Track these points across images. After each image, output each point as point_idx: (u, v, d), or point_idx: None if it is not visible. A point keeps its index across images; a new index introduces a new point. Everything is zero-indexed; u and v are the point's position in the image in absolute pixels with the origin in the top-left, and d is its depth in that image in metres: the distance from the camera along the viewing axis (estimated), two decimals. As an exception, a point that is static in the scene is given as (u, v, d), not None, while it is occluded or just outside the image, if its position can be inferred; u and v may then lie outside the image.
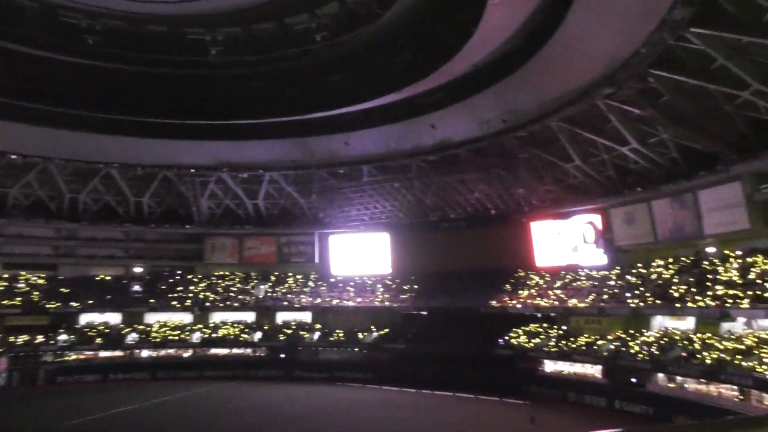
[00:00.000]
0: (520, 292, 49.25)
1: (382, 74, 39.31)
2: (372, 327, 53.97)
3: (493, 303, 49.19)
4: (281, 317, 58.04)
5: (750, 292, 32.32)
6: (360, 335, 53.46)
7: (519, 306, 47.45)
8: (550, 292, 46.98)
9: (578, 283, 46.35)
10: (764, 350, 29.96)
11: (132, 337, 53.76)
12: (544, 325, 45.98)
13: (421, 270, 56.76)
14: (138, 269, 60.41)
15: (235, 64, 41.38)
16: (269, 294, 59.41)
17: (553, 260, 49.30)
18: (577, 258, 47.33)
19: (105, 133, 48.80)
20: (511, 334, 46.03)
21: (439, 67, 36.15)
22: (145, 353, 53.25)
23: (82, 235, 58.26)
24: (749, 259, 35.15)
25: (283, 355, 52.88)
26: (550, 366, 42.89)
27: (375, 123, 45.65)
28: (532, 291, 48.64)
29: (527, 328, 46.13)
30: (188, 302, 57.25)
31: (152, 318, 56.73)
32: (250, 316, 57.95)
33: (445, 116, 42.54)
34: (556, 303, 45.14)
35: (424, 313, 53.85)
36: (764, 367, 28.65)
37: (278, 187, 57.90)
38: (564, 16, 29.65)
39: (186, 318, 57.26)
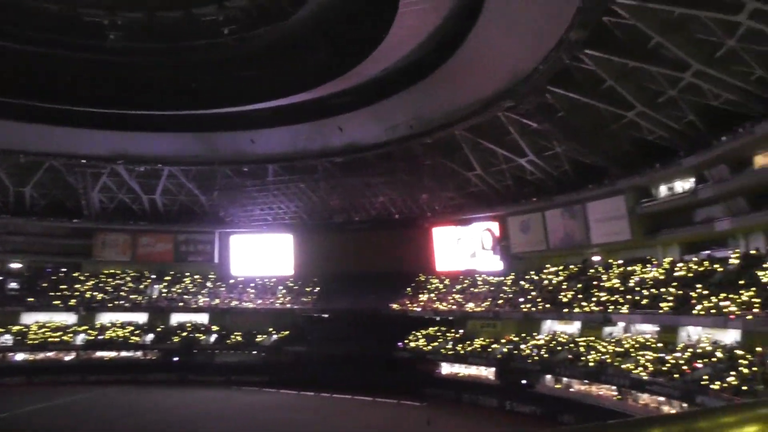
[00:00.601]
0: (421, 295, 50.26)
1: (292, 73, 38.90)
2: (272, 329, 53.01)
3: (394, 306, 49.88)
4: (176, 318, 55.68)
5: (629, 298, 34.81)
6: (259, 338, 52.36)
7: (419, 309, 48.41)
8: (449, 297, 48.30)
9: (476, 288, 47.97)
10: (640, 353, 32.33)
11: (5, 339, 49.49)
12: (443, 328, 47.14)
13: (324, 272, 56.54)
14: (16, 265, 55.78)
15: (137, 52, 39.42)
16: (164, 294, 56.86)
17: (452, 265, 50.77)
18: (475, 263, 49.04)
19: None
20: (411, 337, 46.83)
21: (350, 70, 36.29)
22: (20, 356, 49.20)
23: (-50, 226, 53.16)
24: (629, 268, 37.92)
25: (176, 358, 50.69)
26: (446, 368, 44.00)
27: (283, 122, 45.04)
28: (432, 295, 49.79)
29: (426, 332, 47.11)
30: (73, 302, 53.60)
31: (30, 318, 52.60)
32: (142, 317, 55.13)
33: (354, 119, 42.78)
34: (455, 307, 46.49)
35: (326, 315, 53.66)
36: (640, 368, 30.90)
37: (178, 183, 55.62)
38: (471, 29, 30.73)
39: (70, 318, 53.55)
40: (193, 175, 53.92)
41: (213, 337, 53.08)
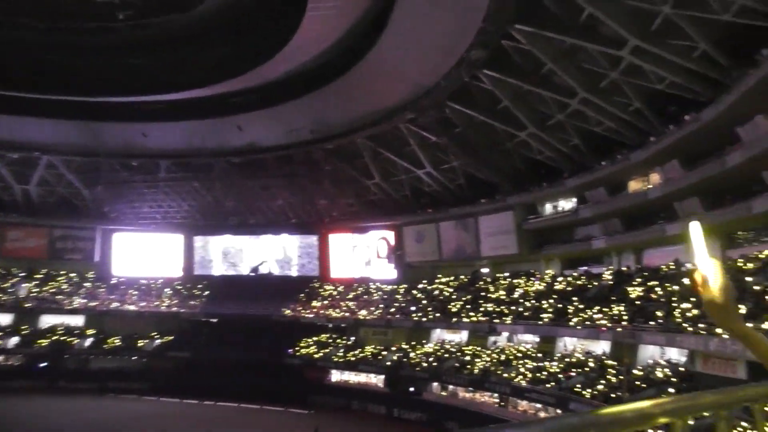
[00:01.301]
0: (314, 302, 49.92)
1: (191, 66, 37.45)
2: (155, 334, 50.44)
3: (287, 312, 49.18)
4: (46, 320, 51.50)
5: (513, 309, 36.54)
6: (141, 342, 49.62)
7: (311, 316, 48.05)
8: (342, 304, 48.34)
9: (369, 295, 48.37)
10: (521, 362, 33.99)
11: None
12: (334, 335, 47.07)
13: (213, 275, 54.75)
14: None
15: (17, 27, 36.25)
16: (33, 294, 52.40)
17: (347, 272, 50.91)
18: (369, 271, 49.49)
19: None
20: (302, 344, 46.35)
21: (253, 69, 35.52)
22: None
23: None
24: (515, 281, 39.86)
25: (44, 364, 46.83)
26: (336, 376, 43.94)
27: (179, 116, 43.12)
28: (325, 302, 49.61)
29: (317, 338, 46.82)
30: None
31: None
32: (5, 319, 50.43)
33: (255, 119, 41.85)
34: (347, 314, 46.60)
35: (215, 320, 51.85)
36: (520, 377, 32.47)
37: (57, 174, 51.49)
38: (377, 40, 31.17)
39: None
40: (75, 167, 50.22)
41: (88, 341, 49.62)
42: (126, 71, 38.32)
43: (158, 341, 49.82)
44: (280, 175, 45.03)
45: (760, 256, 24.78)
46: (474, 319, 38.34)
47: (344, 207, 48.76)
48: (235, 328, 48.98)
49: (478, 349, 38.07)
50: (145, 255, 55.77)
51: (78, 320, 51.99)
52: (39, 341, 48.40)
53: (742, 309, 21.83)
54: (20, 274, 53.78)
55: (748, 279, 23.81)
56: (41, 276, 54.29)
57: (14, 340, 48.08)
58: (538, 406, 31.40)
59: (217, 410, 40.34)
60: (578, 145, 32.95)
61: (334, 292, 50.69)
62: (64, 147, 47.97)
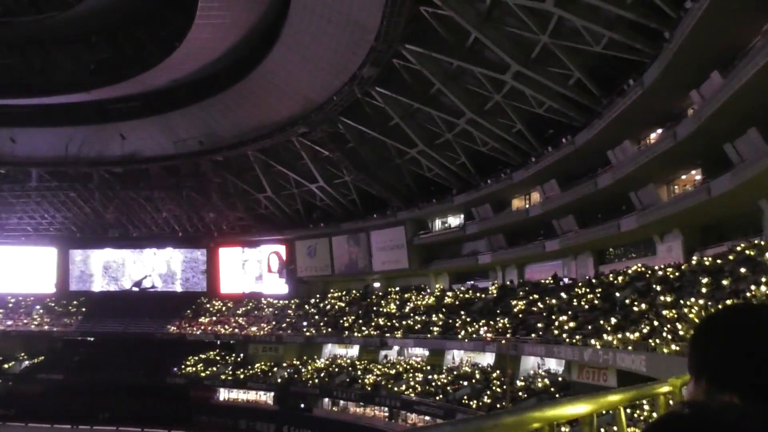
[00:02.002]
0: (201, 318, 48.01)
1: (68, 69, 34.97)
2: (23, 354, 46.40)
3: (171, 329, 46.93)
4: None
5: (404, 323, 36.98)
6: (6, 364, 45.39)
7: (198, 333, 46.15)
8: (231, 319, 46.83)
9: (260, 311, 47.22)
10: (411, 375, 34.41)
11: None
12: (223, 352, 45.48)
13: (92, 291, 51.30)
14: None
15: None
16: None
17: (237, 287, 49.39)
18: (260, 286, 48.36)
19: None
20: (187, 362, 44.38)
21: (136, 75, 33.78)
22: None
23: None
24: (406, 295, 40.41)
25: None
26: (224, 394, 42.44)
27: (53, 122, 40.09)
28: (214, 318, 47.85)
29: (204, 356, 45.02)
30: None
31: None
32: None
33: (139, 128, 39.78)
34: (236, 330, 45.20)
35: (92, 339, 48.48)
36: (410, 390, 32.84)
37: None
38: (268, 52, 30.68)
39: None
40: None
41: (-55, 364, 44.82)
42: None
43: (26, 363, 45.96)
44: (166, 186, 43.00)
45: (628, 271, 26.61)
46: (366, 333, 38.40)
47: (234, 220, 47.43)
48: (115, 347, 46.07)
49: (370, 363, 38.16)
50: (13, 270, 51.06)
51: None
52: None
53: (612, 321, 23.43)
54: None
55: (617, 294, 25.55)
56: None
57: None
58: (427, 418, 31.83)
59: (94, 436, 37.74)
60: (465, 164, 34.08)
61: (223, 308, 49.00)
62: None
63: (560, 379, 27.60)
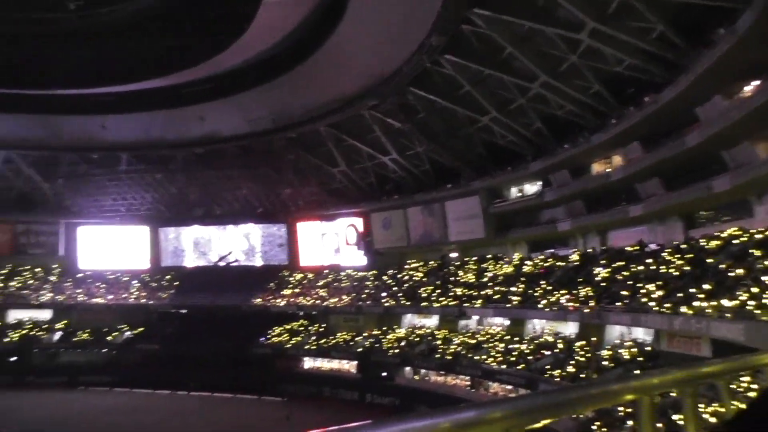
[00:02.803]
0: (284, 290, 49.63)
1: (145, 56, 36.33)
2: (124, 326, 49.81)
3: (257, 301, 48.84)
4: (13, 315, 50.60)
5: (482, 293, 36.68)
6: (110, 335, 48.96)
7: (282, 304, 47.78)
8: (312, 291, 48.13)
9: (339, 283, 48.21)
10: (491, 344, 34.23)
11: None
12: (305, 323, 46.93)
13: (184, 266, 54.12)
14: None
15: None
16: (-1, 289, 51.35)
17: (316, 260, 50.59)
18: (339, 259, 49.25)
19: None
20: (272, 333, 46.15)
21: (209, 58, 34.62)
22: None
23: None
24: (483, 264, 39.96)
25: (13, 359, 46.03)
26: (308, 363, 43.91)
27: (137, 107, 42.01)
28: (295, 290, 49.34)
29: (289, 327, 46.64)
30: None
31: None
32: (-29, 315, 49.44)
33: (215, 109, 40.94)
34: (318, 302, 46.43)
35: (184, 311, 51.33)
36: (491, 359, 32.71)
37: (15, 168, 50.13)
38: (335, 27, 30.53)
39: None
40: (33, 161, 48.89)
41: (57, 335, 48.93)
42: (79, 62, 37.09)
43: (127, 334, 49.30)
44: (242, 165, 44.28)
45: (721, 235, 25.00)
46: (444, 303, 38.43)
47: (309, 195, 48.30)
48: (205, 319, 48.62)
49: (449, 333, 38.24)
50: (111, 248, 54.76)
51: (46, 314, 51.21)
52: (7, 336, 47.52)
53: (704, 288, 22.14)
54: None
55: (710, 259, 24.09)
56: (6, 271, 53.10)
57: (-19, 337, 47.18)
58: (509, 387, 31.73)
59: (190, 401, 40.27)
60: (540, 129, 32.89)
61: (305, 280, 50.40)
62: (21, 141, 46.56)
63: (649, 348, 26.54)
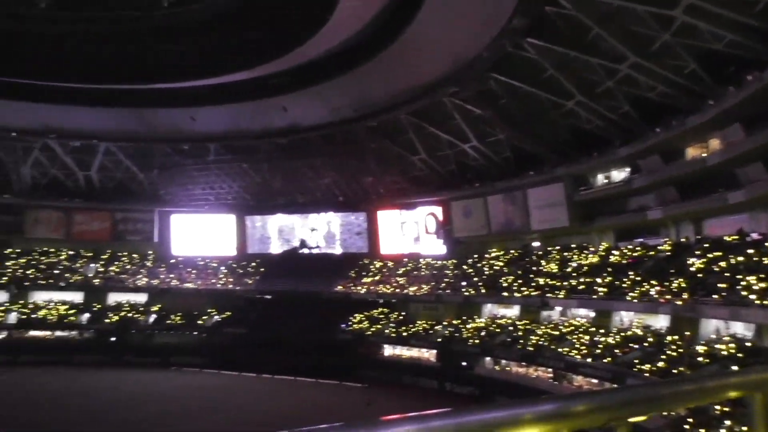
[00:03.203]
0: (364, 278, 50.25)
1: (231, 50, 37.62)
2: (213, 310, 52.12)
3: (338, 288, 49.73)
4: (113, 298, 54.11)
5: (566, 283, 35.63)
6: (200, 319, 51.42)
7: (362, 292, 48.41)
8: (392, 279, 48.47)
9: (419, 271, 48.26)
10: (576, 336, 33.23)
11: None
12: (385, 310, 47.34)
13: (269, 253, 55.94)
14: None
15: (69, 21, 37.31)
16: (100, 273, 55.03)
17: (396, 248, 50.85)
18: (419, 247, 49.28)
19: None
20: (353, 320, 46.88)
21: (292, 50, 35.35)
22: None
23: None
24: (567, 254, 38.77)
25: (113, 339, 49.33)
26: (388, 350, 44.31)
27: (224, 99, 43.64)
28: (375, 278, 49.85)
29: (369, 314, 47.22)
30: (5, 279, 51.33)
31: (-44, 297, 50.14)
32: (77, 297, 53.29)
33: (297, 99, 41.85)
34: (397, 290, 46.69)
35: (268, 297, 53.06)
36: (575, 351, 31.77)
37: (115, 160, 53.54)
38: (415, 14, 30.34)
39: (1, 296, 51.30)
40: (130, 152, 51.95)
41: (152, 318, 51.89)
42: (171, 57, 38.92)
43: (216, 318, 51.49)
44: (325, 154, 45.06)
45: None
46: (526, 293, 37.66)
47: (390, 184, 48.50)
48: (288, 305, 50.02)
49: (531, 323, 37.46)
50: (201, 235, 57.45)
51: (141, 298, 54.38)
52: (107, 318, 50.94)
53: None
54: (88, 255, 56.48)
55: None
56: (106, 257, 56.85)
57: (85, 317, 50.79)
58: (594, 381, 30.71)
59: (274, 383, 41.61)
60: (629, 112, 31.35)
61: (384, 269, 50.82)
62: (119, 134, 49.69)
63: (749, 344, 24.90)
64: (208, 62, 39.34)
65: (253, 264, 56.13)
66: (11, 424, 29.33)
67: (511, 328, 38.22)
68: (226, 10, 35.07)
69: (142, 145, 50.11)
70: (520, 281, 39.09)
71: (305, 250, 54.84)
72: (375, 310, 47.63)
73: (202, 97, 43.67)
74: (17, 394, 35.94)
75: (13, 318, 49.12)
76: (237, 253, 57.25)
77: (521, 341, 35.95)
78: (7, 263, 53.48)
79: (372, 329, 45.35)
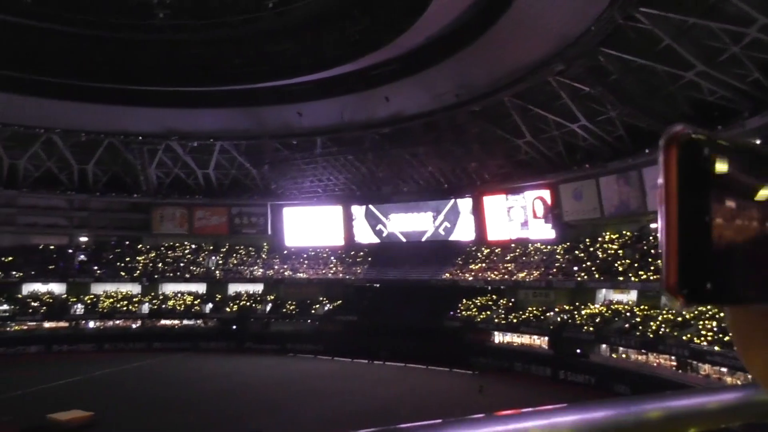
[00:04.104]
0: (471, 265, 49.92)
1: (333, 44, 38.54)
2: (324, 299, 53.93)
3: (445, 275, 49.75)
4: (233, 288, 57.37)
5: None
6: (312, 307, 53.39)
7: (470, 279, 48.12)
8: (500, 265, 47.80)
9: (527, 257, 47.24)
10: (701, 322, 31.24)
11: (77, 308, 52.28)
12: (494, 297, 46.82)
13: (375, 242, 57.00)
14: (83, 238, 58.45)
15: (182, 29, 39.89)
16: (220, 265, 58.59)
17: (503, 234, 50.01)
18: (526, 232, 48.17)
19: (44, 96, 46.50)
20: (461, 306, 46.76)
21: (392, 40, 35.63)
22: (91, 324, 51.97)
23: (22, 203, 55.71)
24: (688, 236, 36.37)
25: (234, 327, 52.45)
26: (498, 337, 43.83)
27: (328, 94, 44.84)
28: (482, 264, 49.36)
29: (477, 301, 46.91)
30: (137, 273, 56.01)
31: (99, 288, 55.22)
32: (200, 287, 57.08)
33: (399, 88, 42.12)
34: (506, 276, 45.98)
35: (377, 285, 54.09)
36: (701, 338, 29.90)
37: (230, 157, 56.71)
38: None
39: (134, 289, 56.02)
40: (243, 149, 54.78)
41: (268, 307, 54.52)
42: (276, 56, 40.55)
43: (328, 306, 53.21)
44: (428, 141, 45.06)
45: None
46: (643, 278, 35.85)
47: (495, 168, 47.68)
48: (397, 293, 50.74)
49: (650, 309, 35.64)
50: (310, 226, 59.50)
51: (258, 288, 57.26)
52: (228, 307, 54.18)
53: None
54: (208, 249, 60.36)
55: None
56: (225, 249, 60.41)
57: (208, 306, 54.33)
58: (724, 369, 28.81)
59: (386, 370, 42.38)
60: (759, 80, 28.75)
61: (492, 255, 50.18)
62: (233, 132, 52.51)
63: None
64: (310, 58, 40.60)
65: (361, 253, 57.38)
66: (154, 402, 32.19)
67: (628, 314, 36.57)
68: (328, 5, 35.94)
69: (253, 142, 52.61)
70: (636, 265, 37.26)
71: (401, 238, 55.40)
72: (483, 297, 47.24)
73: (307, 92, 45.16)
74: (155, 378, 39.24)
75: (145, 308, 53.46)
76: (344, 242, 58.75)
77: (640, 327, 34.31)
78: (139, 258, 58.22)
79: (480, 316, 45.02)
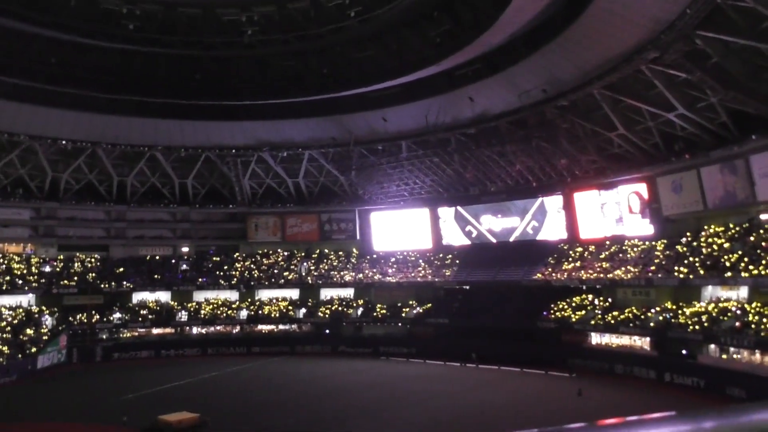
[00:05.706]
0: (564, 264, 48.50)
1: (416, 48, 38.81)
2: (414, 302, 54.14)
3: (537, 276, 48.61)
4: (324, 293, 58.79)
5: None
6: (403, 311, 53.72)
7: (563, 278, 46.73)
8: (595, 264, 46.14)
9: (624, 254, 45.29)
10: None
11: (182, 315, 55.40)
12: (589, 297, 45.26)
13: (463, 244, 56.63)
14: (185, 249, 61.95)
15: (268, 44, 41.52)
16: (312, 270, 60.21)
17: (597, 231, 48.22)
18: (622, 229, 46.20)
19: (148, 116, 49.92)
20: (555, 307, 45.52)
21: (474, 39, 35.43)
22: (195, 330, 54.90)
23: (131, 217, 59.98)
24: (806, 226, 33.74)
25: (327, 331, 53.70)
26: (596, 338, 42.31)
27: (412, 98, 45.22)
28: (576, 263, 47.82)
29: (572, 301, 45.51)
30: (234, 280, 58.60)
31: (200, 296, 58.25)
32: (294, 293, 58.92)
33: (483, 88, 41.79)
34: (601, 275, 44.30)
35: (467, 287, 53.68)
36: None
37: (318, 165, 58.35)
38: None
39: (232, 296, 58.64)
40: (331, 157, 56.16)
41: (359, 311, 55.39)
42: (360, 64, 41.36)
43: (418, 309, 53.37)
44: (516, 140, 44.29)
45: None
46: (755, 273, 33.50)
47: (587, 164, 46.09)
48: (487, 294, 50.18)
49: (763, 306, 33.24)
50: (398, 230, 60.05)
51: (349, 292, 58.37)
52: (321, 311, 55.58)
53: None
54: (300, 255, 62.23)
55: None
56: (316, 255, 62.05)
57: (302, 312, 55.94)
58: None
59: (480, 373, 41.94)
60: None
61: (585, 253, 48.51)
62: (320, 141, 54.12)
63: None
64: (393, 63, 41.07)
65: (450, 255, 57.18)
66: (256, 403, 33.55)
67: (739, 311, 34.27)
68: (409, 9, 36.24)
69: (340, 149, 53.84)
70: (746, 260, 34.87)
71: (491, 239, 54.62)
72: (578, 297, 45.77)
73: (390, 97, 45.75)
74: (256, 381, 40.87)
75: (243, 314, 55.81)
76: (432, 245, 58.77)
77: (753, 326, 32.08)
78: (236, 265, 60.91)
79: (576, 316, 43.64)
